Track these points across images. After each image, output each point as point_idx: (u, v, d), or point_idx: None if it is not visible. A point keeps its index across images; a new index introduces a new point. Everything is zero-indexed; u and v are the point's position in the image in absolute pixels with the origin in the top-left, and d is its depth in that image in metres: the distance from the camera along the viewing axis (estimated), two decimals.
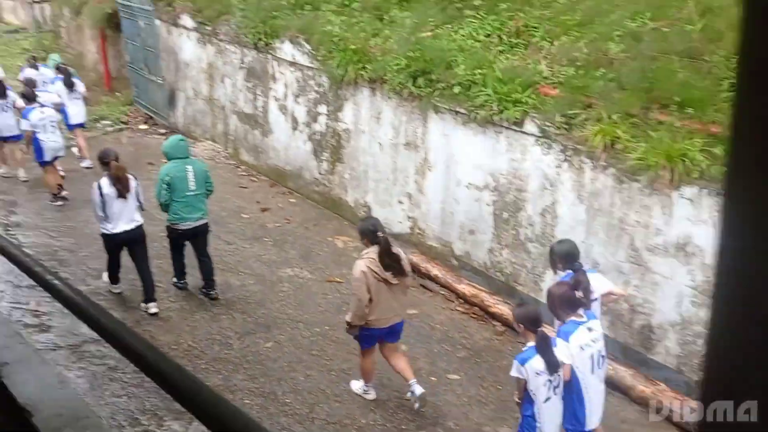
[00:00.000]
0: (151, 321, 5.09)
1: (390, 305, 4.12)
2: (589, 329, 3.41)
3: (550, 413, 3.34)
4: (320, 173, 7.38)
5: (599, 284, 3.83)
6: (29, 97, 7.60)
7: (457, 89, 5.40)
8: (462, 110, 5.43)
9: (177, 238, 5.45)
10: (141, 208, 5.26)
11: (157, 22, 9.89)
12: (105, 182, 5.07)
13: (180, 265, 5.59)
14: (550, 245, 4.15)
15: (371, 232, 4.10)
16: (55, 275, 1.25)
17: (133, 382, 4.08)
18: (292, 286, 5.78)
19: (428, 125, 5.83)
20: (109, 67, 12.70)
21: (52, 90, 8.60)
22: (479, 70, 5.27)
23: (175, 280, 5.64)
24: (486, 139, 5.32)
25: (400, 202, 6.32)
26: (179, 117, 10.44)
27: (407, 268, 4.17)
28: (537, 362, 3.26)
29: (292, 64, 7.29)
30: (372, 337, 4.21)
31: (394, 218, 6.34)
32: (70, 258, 5.98)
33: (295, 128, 7.62)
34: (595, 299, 3.74)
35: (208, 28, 8.78)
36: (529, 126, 4.99)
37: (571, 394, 3.38)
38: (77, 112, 8.67)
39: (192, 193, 5.33)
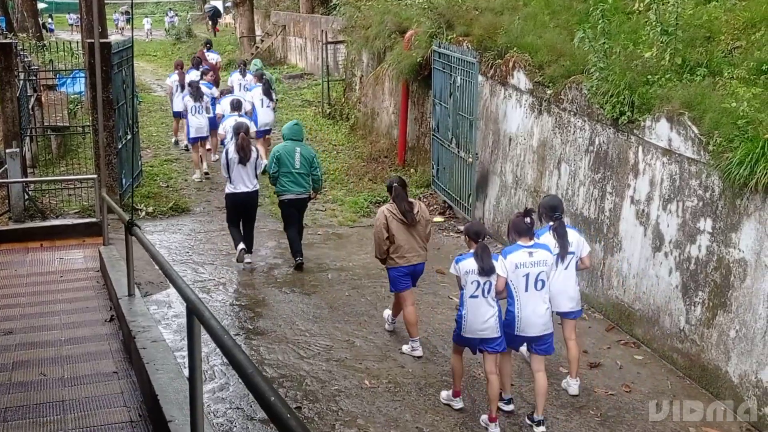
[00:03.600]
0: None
1: (412, 245, 8.19)
2: (531, 254, 6.83)
3: (474, 308, 6.79)
4: (689, 323, 7.84)
5: (578, 242, 7.45)
6: (193, 97, 15.40)
7: None
8: None
9: (285, 209, 10.82)
10: (258, 176, 10.75)
11: (480, 78, 11.98)
12: (232, 148, 10.62)
13: (294, 242, 10.85)
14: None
15: (389, 186, 8.46)
16: None
17: None
18: None
19: None
20: (407, 133, 15.50)
21: (248, 96, 15.81)
22: None
23: (297, 260, 10.81)
24: None
25: None
26: (488, 211, 12.15)
27: (419, 215, 8.24)
28: (470, 264, 6.79)
29: (667, 152, 8.13)
30: (399, 277, 8.22)
31: None
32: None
33: (657, 248, 8.32)
34: (572, 253, 7.34)
35: (549, 91, 10.33)
36: None
37: (508, 304, 6.92)
38: (268, 122, 16.05)
39: (296, 170, 10.60)
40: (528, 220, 6.92)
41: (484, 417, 6.97)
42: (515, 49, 11.24)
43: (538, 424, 6.87)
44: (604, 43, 9.16)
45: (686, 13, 8.93)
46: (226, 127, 13.31)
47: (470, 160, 12.07)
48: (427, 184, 14.19)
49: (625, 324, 8.85)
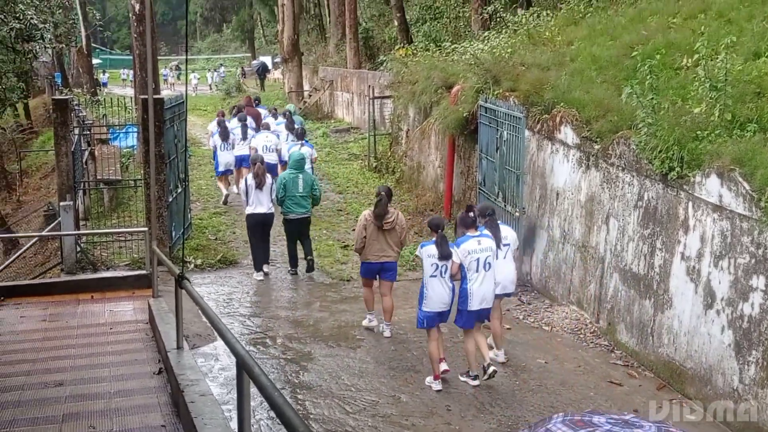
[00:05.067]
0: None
1: (381, 246, 10.16)
2: (479, 242, 8.69)
3: (433, 286, 8.65)
4: (743, 383, 7.67)
5: (512, 237, 9.67)
6: (221, 137, 17.87)
7: None
8: None
9: (289, 227, 12.84)
10: (271, 200, 12.77)
11: (527, 133, 12.03)
12: (250, 176, 12.84)
13: (292, 255, 13.10)
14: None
15: (377, 192, 10.59)
16: None
17: None
18: None
19: None
20: (453, 187, 15.56)
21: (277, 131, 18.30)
22: None
23: (289, 268, 13.19)
24: None
25: None
26: (535, 265, 12.08)
27: (394, 222, 10.21)
28: (431, 250, 8.62)
29: (718, 208, 8.05)
30: (368, 270, 10.38)
31: None
32: None
33: (708, 305, 8.19)
34: (507, 244, 9.41)
35: (596, 146, 10.33)
36: None
37: (462, 284, 8.63)
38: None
39: (299, 194, 12.63)
40: (471, 214, 9.04)
41: (429, 378, 8.79)
42: (562, 104, 11.28)
43: (474, 378, 8.74)
44: (653, 98, 9.17)
45: (735, 69, 8.91)
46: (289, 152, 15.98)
47: (517, 214, 12.08)
48: None
49: (676, 383, 8.68)
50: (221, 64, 63.30)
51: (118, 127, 22.74)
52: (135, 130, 21.05)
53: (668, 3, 12.96)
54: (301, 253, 13.08)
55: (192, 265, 13.32)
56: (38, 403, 7.14)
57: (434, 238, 8.72)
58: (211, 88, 53.44)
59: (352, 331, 10.56)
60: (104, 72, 58.30)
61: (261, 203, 12.72)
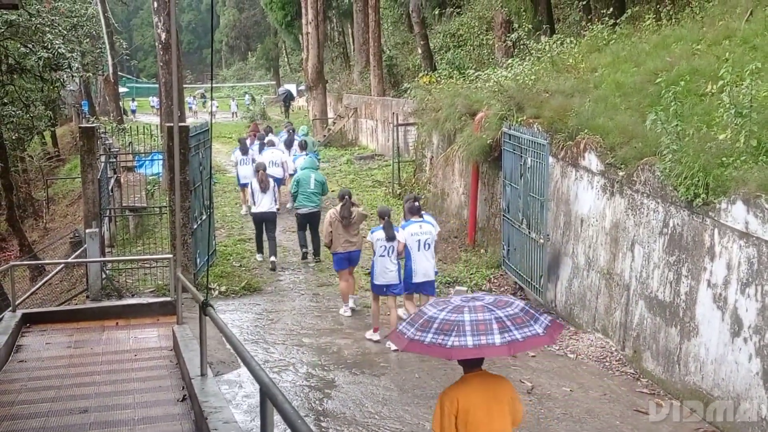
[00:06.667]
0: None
1: (347, 239, 12.29)
2: (420, 226, 11.08)
3: (381, 263, 10.98)
4: None
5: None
6: (241, 151, 20.33)
7: None
8: None
9: (300, 219, 15.57)
10: (276, 201, 15.57)
11: (551, 160, 12.05)
12: (255, 181, 15.48)
13: (302, 240, 15.83)
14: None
15: (341, 196, 12.70)
16: None
17: None
18: None
19: None
20: (477, 214, 15.58)
21: (281, 148, 20.86)
22: None
23: (300, 253, 15.93)
24: None
25: None
26: (560, 292, 12.05)
27: (354, 217, 12.41)
28: (380, 234, 11.00)
29: (744, 235, 8.01)
30: (339, 260, 12.38)
31: None
32: None
33: (736, 333, 8.13)
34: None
35: (621, 173, 10.33)
36: None
37: (406, 261, 11.04)
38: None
39: (311, 190, 15.40)
40: (416, 203, 11.38)
41: (369, 332, 11.23)
42: (586, 131, 11.30)
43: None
44: (677, 125, 9.16)
45: (760, 95, 8.89)
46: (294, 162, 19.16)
47: (541, 241, 12.06)
48: (497, 264, 14.16)
49: (704, 411, 8.59)
50: (246, 92, 63.97)
51: (143, 155, 23.02)
52: (160, 157, 21.33)
53: (692, 30, 12.99)
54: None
55: (216, 292, 13.42)
56: (63, 429, 7.22)
57: (381, 224, 11.01)
58: (233, 116, 54.05)
59: (376, 358, 10.57)
60: (133, 100, 59.14)
61: (263, 203, 15.18)
